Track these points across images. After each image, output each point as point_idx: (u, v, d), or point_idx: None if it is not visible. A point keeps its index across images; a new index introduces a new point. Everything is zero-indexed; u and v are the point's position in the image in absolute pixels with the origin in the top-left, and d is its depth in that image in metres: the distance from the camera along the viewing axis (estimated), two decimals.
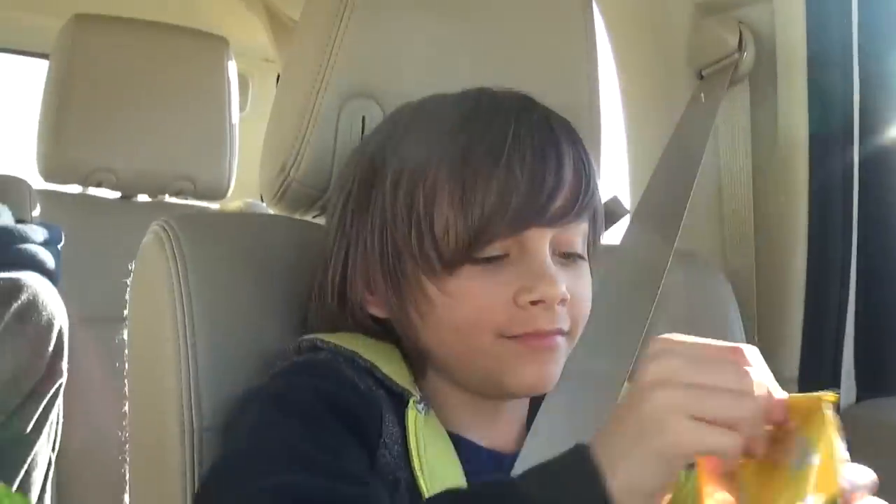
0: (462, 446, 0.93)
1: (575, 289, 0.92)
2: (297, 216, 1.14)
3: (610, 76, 1.57)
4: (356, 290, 0.95)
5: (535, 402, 1.00)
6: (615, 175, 1.57)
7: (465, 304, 0.91)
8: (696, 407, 0.63)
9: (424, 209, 0.91)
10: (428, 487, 0.87)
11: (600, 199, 0.99)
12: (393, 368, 0.94)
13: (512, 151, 0.92)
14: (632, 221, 1.18)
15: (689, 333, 1.08)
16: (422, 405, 0.92)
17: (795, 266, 1.38)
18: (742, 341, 1.25)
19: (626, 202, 1.18)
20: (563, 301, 0.90)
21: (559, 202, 0.91)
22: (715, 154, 1.44)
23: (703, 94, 1.37)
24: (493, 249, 0.90)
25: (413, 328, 0.94)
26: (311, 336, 0.96)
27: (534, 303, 0.88)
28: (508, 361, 0.93)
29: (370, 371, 0.92)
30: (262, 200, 2.23)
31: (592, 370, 0.99)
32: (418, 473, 0.88)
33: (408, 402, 0.91)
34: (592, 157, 0.97)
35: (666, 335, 0.69)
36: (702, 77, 1.43)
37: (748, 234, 1.42)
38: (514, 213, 0.90)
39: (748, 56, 1.39)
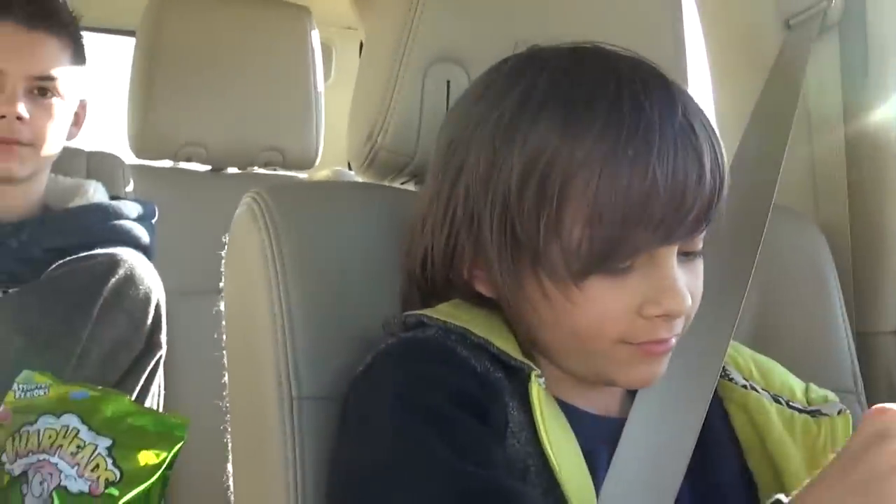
0: (568, 412, 0.92)
1: (694, 288, 0.90)
2: (385, 183, 1.14)
3: (695, 30, 1.54)
4: (463, 265, 0.92)
5: None
6: None
7: (588, 312, 0.88)
8: None
9: (557, 212, 0.85)
10: (559, 468, 0.86)
11: None
12: (504, 342, 0.92)
13: (659, 155, 0.85)
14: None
15: (786, 290, 1.05)
16: (542, 378, 0.90)
17: (891, 216, 1.34)
18: (838, 297, 1.24)
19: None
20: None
21: (696, 212, 0.86)
22: (805, 105, 1.39)
23: (792, 45, 1.33)
24: (625, 261, 0.88)
25: (526, 322, 0.91)
26: (418, 312, 0.94)
27: (659, 315, 0.86)
28: (622, 363, 0.91)
29: (484, 347, 0.90)
30: (349, 169, 2.25)
31: (696, 330, 0.96)
32: (550, 454, 0.86)
33: (528, 376, 0.89)
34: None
35: (882, 405, 0.67)
36: (789, 27, 1.39)
37: (841, 186, 1.39)
38: (655, 226, 0.85)
39: (837, 3, 1.35)
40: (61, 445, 1.01)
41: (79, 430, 1.03)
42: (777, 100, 1.24)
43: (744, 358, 1.03)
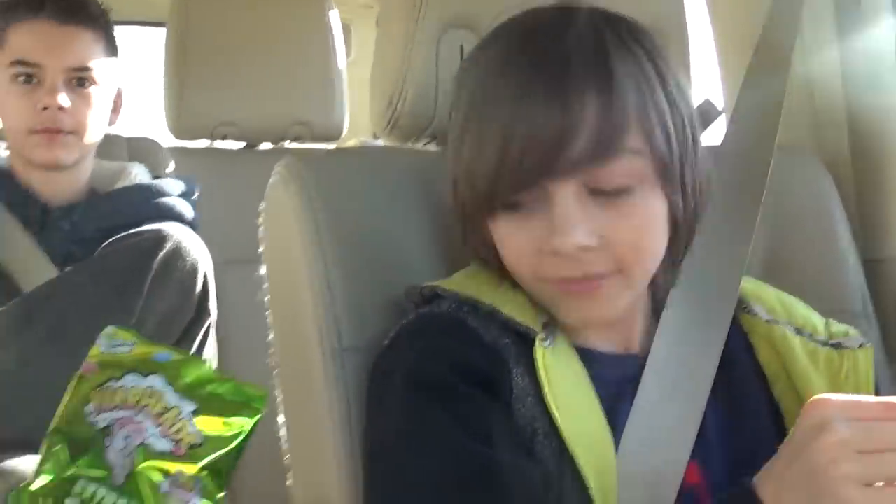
0: (589, 358, 0.92)
1: (615, 228, 0.87)
2: (408, 145, 1.14)
3: (704, 30, 1.52)
4: (472, 223, 0.93)
5: (660, 295, 0.97)
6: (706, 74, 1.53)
7: (504, 249, 0.90)
8: (870, 474, 0.64)
9: (468, 153, 0.88)
10: (565, 426, 0.86)
11: (669, 122, 0.90)
12: (515, 306, 0.92)
13: (525, 98, 0.86)
14: (730, 122, 1.14)
15: (793, 224, 1.04)
16: (547, 340, 0.90)
17: (892, 144, 1.32)
18: (845, 227, 1.24)
19: (720, 103, 1.15)
20: (586, 248, 0.85)
21: (577, 149, 0.83)
22: (801, 43, 1.36)
23: None
24: (518, 198, 0.87)
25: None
26: (433, 283, 0.95)
27: (552, 253, 0.85)
28: (552, 300, 0.91)
29: (493, 315, 0.91)
30: (374, 138, 2.27)
31: (708, 269, 0.97)
32: (555, 415, 0.86)
33: (534, 340, 0.89)
34: (676, 63, 0.91)
35: (822, 396, 0.68)
36: None
37: (841, 121, 1.37)
38: (520, 166, 0.85)
39: None
40: (147, 405, 1.02)
41: (164, 393, 1.04)
42: (776, 41, 1.23)
43: (767, 294, 1.03)
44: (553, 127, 0.83)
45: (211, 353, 1.57)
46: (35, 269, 1.57)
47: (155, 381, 1.06)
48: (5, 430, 1.35)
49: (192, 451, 0.99)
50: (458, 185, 0.91)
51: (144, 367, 1.06)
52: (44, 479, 0.88)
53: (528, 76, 0.86)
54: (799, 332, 1.00)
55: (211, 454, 1.00)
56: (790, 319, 1.01)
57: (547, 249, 0.86)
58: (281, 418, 1.13)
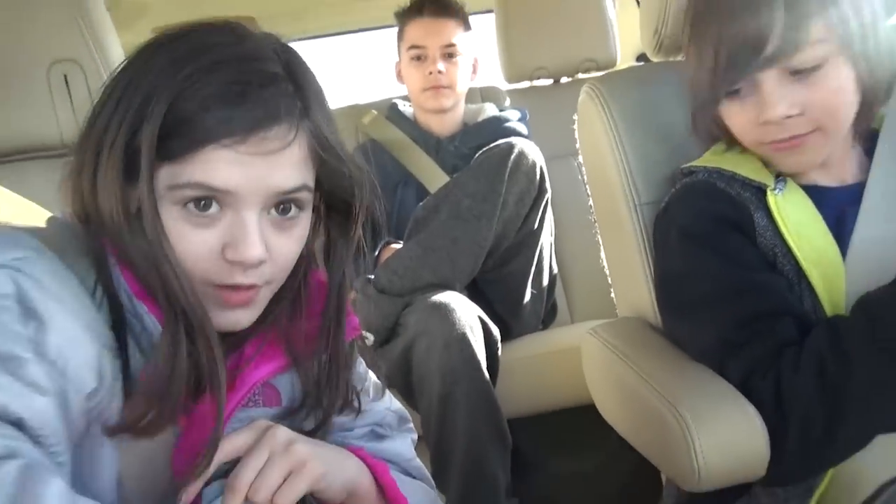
0: (814, 192, 0.88)
1: (811, 99, 0.82)
2: (671, 59, 1.10)
3: None
4: (706, 110, 0.89)
5: (866, 137, 0.90)
6: None
7: (733, 126, 0.87)
8: None
9: (695, 59, 0.86)
10: (798, 246, 0.84)
11: (848, 11, 0.81)
12: (749, 168, 0.89)
13: (728, 12, 0.82)
14: None
15: None
16: (777, 189, 0.87)
17: None
18: None
19: None
20: (788, 116, 0.81)
21: (772, 46, 0.79)
22: None
23: None
24: (736, 87, 0.84)
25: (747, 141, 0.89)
26: (687, 165, 0.93)
27: None
28: (771, 158, 0.87)
29: (734, 177, 0.89)
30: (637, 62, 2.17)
31: None
32: (788, 240, 0.84)
33: (766, 191, 0.87)
34: None
35: None
36: None
37: None
38: (733, 64, 0.82)
39: None
40: None
41: None
42: None
43: None
44: (751, 31, 0.81)
45: (548, 217, 1.59)
46: (435, 177, 1.69)
47: None
48: (432, 276, 1.43)
49: None
50: (692, 83, 0.90)
51: None
52: None
53: None
54: None
55: None
56: None
57: (761, 121, 0.84)
58: (602, 254, 1.15)
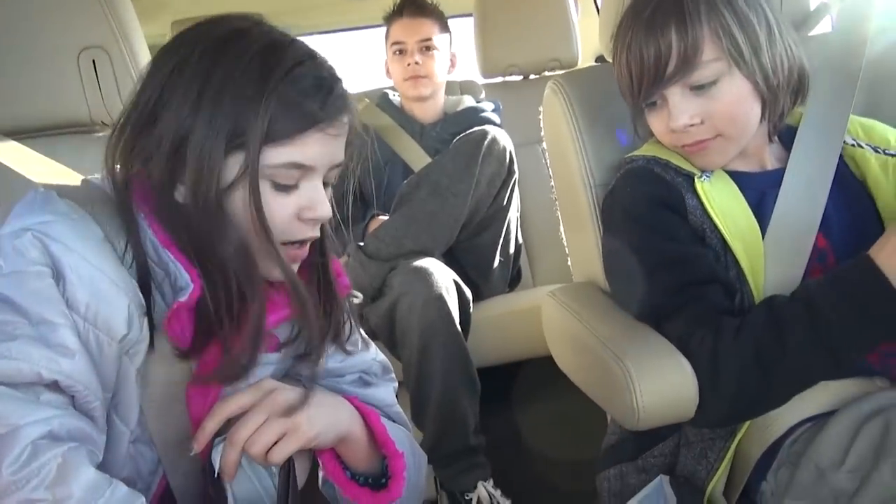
0: (738, 177, 0.87)
1: (710, 110, 0.82)
2: None
3: None
4: (638, 115, 0.88)
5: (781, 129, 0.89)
6: None
7: (655, 131, 0.86)
8: None
9: (616, 75, 0.85)
10: (723, 224, 0.83)
11: (737, 33, 0.81)
12: (682, 158, 0.88)
13: (633, 39, 0.82)
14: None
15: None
16: (704, 177, 0.86)
17: None
18: None
19: None
20: (690, 125, 0.80)
21: (670, 69, 0.81)
22: None
23: None
24: (650, 100, 0.84)
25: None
26: (630, 155, 0.92)
27: None
28: (686, 156, 0.85)
29: (668, 164, 0.88)
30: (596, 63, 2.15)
31: (822, 112, 0.88)
32: (714, 218, 0.84)
33: (694, 178, 0.86)
34: None
35: None
36: None
37: None
38: (641, 83, 0.83)
39: None
40: None
41: None
42: None
43: (852, 124, 0.92)
44: (653, 56, 0.81)
45: (515, 196, 1.58)
46: (418, 158, 1.67)
47: None
48: (414, 245, 1.42)
49: None
50: (622, 94, 0.89)
51: None
52: None
53: (631, 23, 0.83)
54: (875, 149, 0.90)
55: None
56: (868, 140, 0.91)
57: (670, 129, 0.84)
58: (561, 228, 1.13)
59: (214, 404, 0.64)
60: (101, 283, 0.56)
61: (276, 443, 0.63)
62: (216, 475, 0.62)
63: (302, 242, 0.65)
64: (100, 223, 0.60)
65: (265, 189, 0.62)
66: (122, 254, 0.60)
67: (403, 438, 0.76)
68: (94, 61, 1.12)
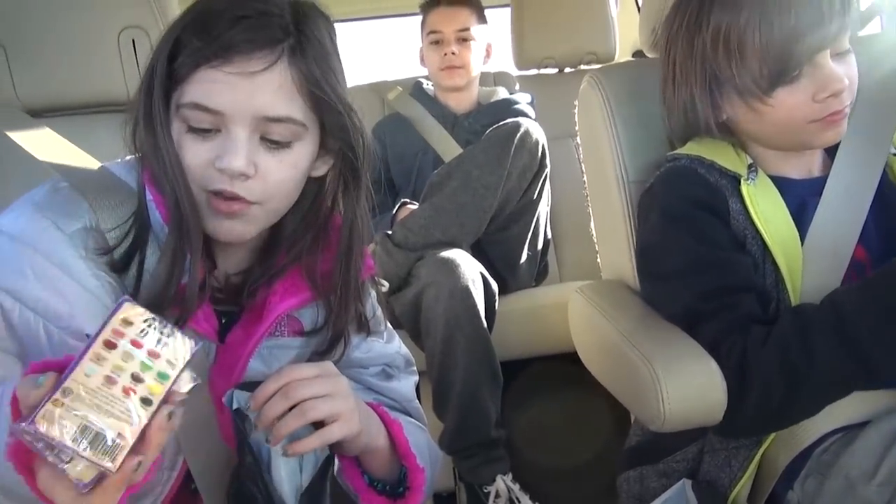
0: (782, 182, 0.86)
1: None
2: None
3: None
4: (704, 107, 0.86)
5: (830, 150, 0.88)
6: None
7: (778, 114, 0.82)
8: None
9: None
10: (765, 230, 0.82)
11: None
12: (728, 159, 0.86)
13: None
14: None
15: None
16: (749, 179, 0.84)
17: None
18: None
19: None
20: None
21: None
22: None
23: None
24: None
25: (741, 132, 0.87)
26: (675, 153, 0.90)
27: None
28: (815, 134, 0.82)
29: (713, 165, 0.86)
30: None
31: (865, 118, 0.86)
32: (757, 224, 0.82)
33: (740, 180, 0.84)
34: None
35: None
36: None
37: None
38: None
39: None
40: None
41: None
42: None
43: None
44: (807, 22, 0.77)
45: (546, 190, 1.57)
46: (449, 149, 1.67)
47: None
48: (442, 235, 1.42)
49: None
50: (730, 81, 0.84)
51: None
52: None
53: None
54: None
55: None
56: None
57: (828, 93, 0.80)
58: (591, 224, 1.13)
59: (279, 369, 0.63)
60: (59, 278, 0.59)
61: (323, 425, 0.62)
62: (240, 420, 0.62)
63: (220, 194, 0.62)
64: (96, 211, 0.62)
65: (181, 131, 0.62)
66: (120, 242, 0.61)
67: (421, 439, 0.76)
68: (133, 41, 1.13)
